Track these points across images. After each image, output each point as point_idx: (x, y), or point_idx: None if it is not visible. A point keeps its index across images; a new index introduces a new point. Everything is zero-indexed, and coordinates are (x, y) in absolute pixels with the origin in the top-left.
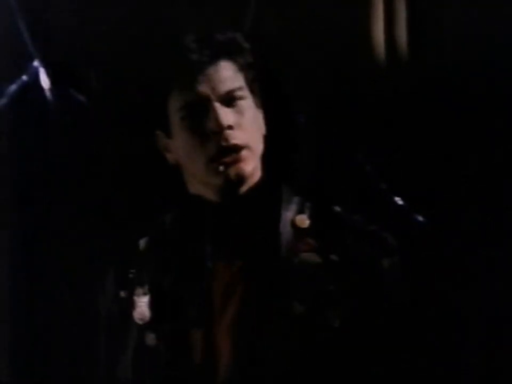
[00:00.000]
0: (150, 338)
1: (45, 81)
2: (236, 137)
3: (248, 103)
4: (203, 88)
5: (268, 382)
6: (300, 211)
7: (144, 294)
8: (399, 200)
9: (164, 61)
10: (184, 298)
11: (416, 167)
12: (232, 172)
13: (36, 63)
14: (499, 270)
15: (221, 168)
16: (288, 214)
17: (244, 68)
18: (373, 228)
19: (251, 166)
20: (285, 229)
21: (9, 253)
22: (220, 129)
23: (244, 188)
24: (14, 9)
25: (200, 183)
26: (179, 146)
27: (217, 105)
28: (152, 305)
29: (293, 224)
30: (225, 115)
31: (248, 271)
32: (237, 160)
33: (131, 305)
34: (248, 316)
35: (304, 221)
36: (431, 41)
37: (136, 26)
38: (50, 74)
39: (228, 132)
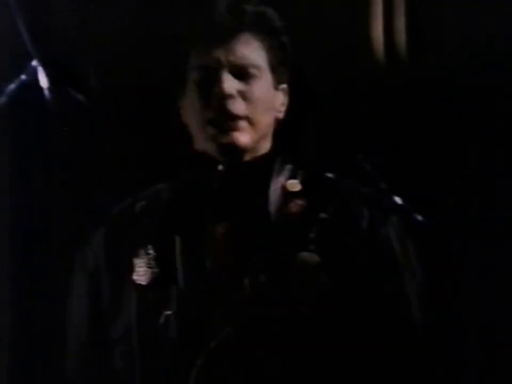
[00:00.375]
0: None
1: (43, 80)
2: (236, 107)
3: (261, 82)
4: (218, 54)
5: None
6: (292, 177)
7: (147, 254)
8: (399, 200)
9: (189, 19)
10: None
11: (416, 166)
12: (224, 139)
13: (34, 63)
14: (500, 269)
15: (212, 131)
16: (280, 179)
17: (269, 46)
18: (367, 190)
19: (247, 138)
20: (275, 193)
21: (9, 253)
22: (222, 96)
23: (245, 158)
24: (13, 9)
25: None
26: (187, 105)
27: (225, 73)
28: (154, 265)
29: (284, 188)
30: (231, 84)
31: (235, 232)
32: (232, 128)
33: (129, 267)
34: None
35: (295, 185)
36: (431, 41)
37: (136, 26)
38: (49, 74)
39: (230, 100)
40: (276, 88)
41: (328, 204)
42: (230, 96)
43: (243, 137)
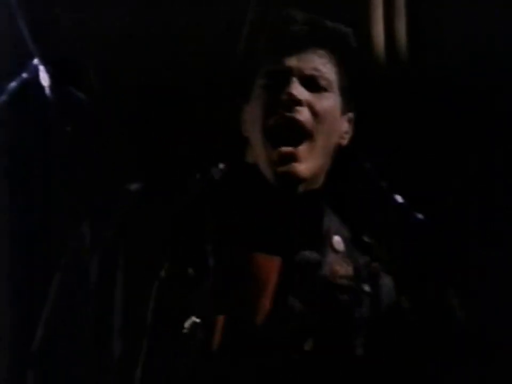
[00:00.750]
0: None
1: (44, 79)
2: (301, 114)
3: (331, 97)
4: (290, 63)
5: None
6: (337, 230)
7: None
8: (399, 199)
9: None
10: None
11: (416, 165)
12: (282, 168)
13: (35, 61)
14: (500, 268)
15: (270, 148)
16: (327, 230)
17: (342, 67)
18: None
19: (307, 168)
20: (325, 248)
21: (9, 253)
22: (290, 101)
23: (300, 187)
24: (14, 7)
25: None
26: (250, 113)
27: (295, 81)
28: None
29: (331, 245)
30: (301, 90)
31: (288, 271)
32: (293, 158)
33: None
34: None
35: (340, 244)
36: (431, 41)
37: (137, 24)
38: (50, 72)
39: (297, 107)
40: (343, 113)
41: (370, 277)
42: (298, 102)
43: (302, 167)
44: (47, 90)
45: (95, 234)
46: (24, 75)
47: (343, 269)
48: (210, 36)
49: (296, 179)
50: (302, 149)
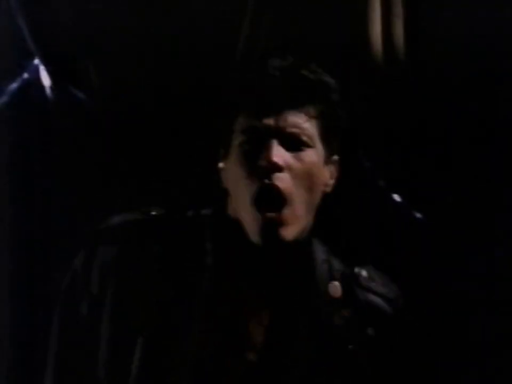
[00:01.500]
0: None
1: (45, 79)
2: (282, 181)
3: (313, 152)
4: (269, 122)
5: None
6: (330, 274)
7: None
8: (398, 198)
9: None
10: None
11: (415, 165)
12: (268, 233)
13: (36, 61)
14: (498, 267)
15: (255, 214)
16: (321, 278)
17: (324, 117)
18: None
19: (292, 231)
20: (320, 298)
21: (9, 253)
22: (268, 168)
23: (286, 233)
24: (14, 7)
25: (244, 219)
26: (230, 169)
27: (275, 143)
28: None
29: (326, 294)
30: (280, 154)
31: (279, 326)
32: (277, 223)
33: None
34: None
35: (337, 289)
36: (429, 40)
37: (138, 23)
38: (51, 72)
39: (276, 174)
40: (327, 161)
41: (372, 319)
42: (278, 169)
43: (287, 231)
44: (48, 90)
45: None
46: (25, 75)
47: (342, 317)
48: (209, 35)
49: (282, 243)
50: (286, 213)
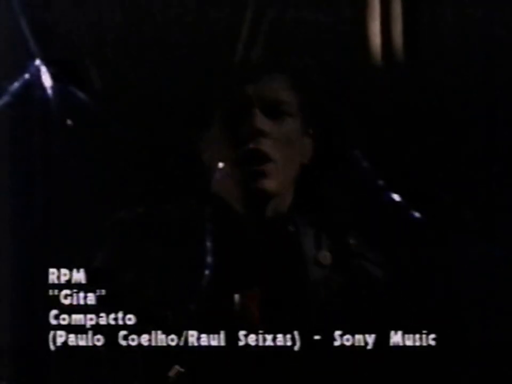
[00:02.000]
0: None
1: (46, 79)
2: (265, 145)
3: (293, 122)
4: (249, 92)
5: None
6: (319, 246)
7: None
8: (396, 197)
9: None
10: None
11: (413, 164)
12: (253, 184)
13: (37, 62)
14: (496, 267)
15: (239, 175)
16: (309, 248)
17: (300, 86)
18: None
19: (274, 184)
20: (310, 266)
21: (9, 253)
22: (252, 133)
23: (269, 207)
24: (15, 8)
25: (227, 189)
26: (211, 142)
27: (257, 112)
28: None
29: (316, 261)
30: (262, 121)
31: (269, 302)
32: (260, 174)
33: None
34: None
35: (326, 257)
36: (427, 42)
37: (139, 24)
38: (52, 73)
39: (261, 138)
40: (305, 131)
41: (364, 282)
42: (262, 134)
43: (270, 182)
44: (49, 91)
45: None
46: (26, 76)
47: (335, 283)
48: (209, 38)
49: (267, 195)
50: (269, 166)
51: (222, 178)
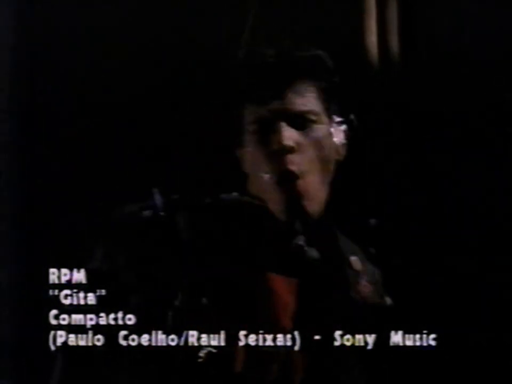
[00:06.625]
0: None
1: (46, 77)
2: (293, 163)
3: (321, 128)
4: (275, 106)
5: None
6: (352, 252)
7: None
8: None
9: (238, 71)
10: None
11: (410, 164)
12: (293, 204)
13: (37, 62)
14: (495, 268)
15: (275, 191)
16: (345, 252)
17: (324, 91)
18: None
19: (312, 203)
20: (347, 269)
21: (9, 253)
22: (281, 149)
23: (310, 208)
24: (15, 8)
25: (269, 197)
26: (248, 155)
27: (284, 125)
28: None
29: (350, 266)
30: (289, 135)
31: (308, 291)
32: (295, 191)
33: None
34: None
35: (358, 263)
36: (423, 46)
37: (139, 25)
38: (51, 70)
39: (288, 156)
40: (335, 129)
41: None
42: (290, 149)
43: (310, 204)
44: (48, 87)
45: None
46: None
47: (366, 287)
48: (209, 41)
49: (307, 216)
50: (301, 185)
51: (264, 186)
